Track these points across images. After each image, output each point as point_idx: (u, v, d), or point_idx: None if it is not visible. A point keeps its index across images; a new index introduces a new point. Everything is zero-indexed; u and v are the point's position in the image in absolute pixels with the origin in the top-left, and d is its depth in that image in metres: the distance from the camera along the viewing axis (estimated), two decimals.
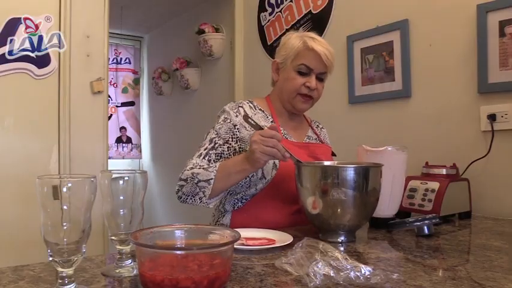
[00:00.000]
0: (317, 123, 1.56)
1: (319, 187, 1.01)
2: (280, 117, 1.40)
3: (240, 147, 1.30)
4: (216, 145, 1.28)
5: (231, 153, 1.29)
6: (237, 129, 1.30)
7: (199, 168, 1.22)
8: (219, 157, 1.28)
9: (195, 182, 1.20)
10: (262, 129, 1.14)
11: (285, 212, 1.29)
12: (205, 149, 1.29)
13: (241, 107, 1.35)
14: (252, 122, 1.18)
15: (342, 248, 0.96)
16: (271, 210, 1.29)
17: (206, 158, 1.26)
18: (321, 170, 1.03)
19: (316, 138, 1.48)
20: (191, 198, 1.22)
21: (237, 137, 1.30)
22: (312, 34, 1.34)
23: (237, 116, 1.32)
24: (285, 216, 1.29)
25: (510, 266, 0.81)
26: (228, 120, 1.31)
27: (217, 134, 1.30)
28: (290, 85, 1.33)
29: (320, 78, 1.33)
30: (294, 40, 1.33)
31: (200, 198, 1.21)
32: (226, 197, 1.36)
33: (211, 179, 1.19)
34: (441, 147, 1.65)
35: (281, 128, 1.36)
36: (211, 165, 1.23)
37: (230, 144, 1.29)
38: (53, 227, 0.62)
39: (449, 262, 0.85)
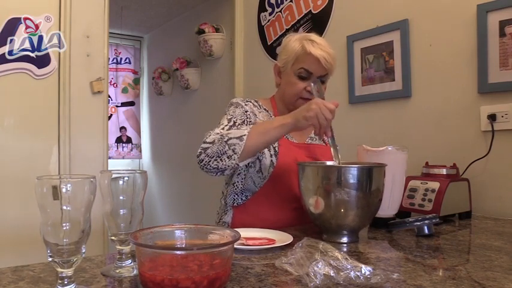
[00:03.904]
0: None
1: (321, 187, 1.00)
2: None
3: None
4: (236, 123, 1.26)
5: None
6: (249, 114, 1.31)
7: (229, 129, 1.18)
8: None
9: (225, 140, 1.13)
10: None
11: (284, 209, 1.30)
12: (226, 125, 1.24)
13: (250, 101, 1.38)
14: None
15: (345, 249, 0.95)
16: (271, 207, 1.30)
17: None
18: (324, 170, 1.03)
19: (321, 139, 1.48)
20: (216, 160, 1.13)
21: (250, 121, 1.30)
22: (312, 36, 1.33)
23: (246, 105, 1.34)
24: (285, 213, 1.30)
25: (510, 265, 0.81)
26: (240, 107, 1.32)
27: (232, 115, 1.29)
28: (291, 90, 1.33)
29: (321, 81, 1.33)
30: (293, 44, 1.32)
31: (229, 157, 1.12)
32: (227, 190, 1.37)
33: (244, 135, 1.13)
34: (441, 147, 1.65)
35: None
36: (243, 126, 1.20)
37: (247, 125, 1.28)
38: (52, 227, 0.62)
39: (449, 262, 0.85)
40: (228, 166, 1.14)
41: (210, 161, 1.14)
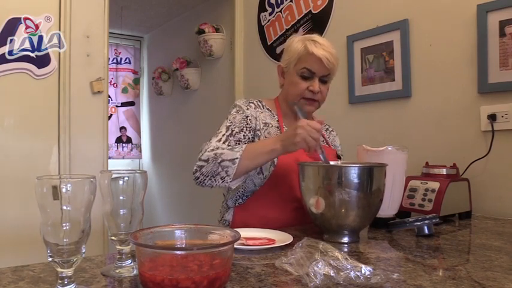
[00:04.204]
0: (327, 126, 1.58)
1: (322, 187, 1.00)
2: (286, 118, 1.42)
3: (253, 137, 1.32)
4: (234, 132, 1.29)
5: (247, 142, 1.30)
6: (249, 119, 1.33)
7: (223, 149, 1.21)
8: (238, 143, 1.28)
9: (218, 161, 1.18)
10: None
11: (285, 208, 1.31)
12: (223, 135, 1.28)
13: (252, 102, 1.39)
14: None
15: (345, 249, 0.95)
16: (271, 207, 1.31)
17: (226, 143, 1.26)
18: (325, 170, 1.03)
19: (322, 141, 1.48)
20: (210, 179, 1.19)
21: (250, 127, 1.32)
22: (315, 37, 1.34)
23: (247, 109, 1.35)
24: (286, 213, 1.31)
25: (510, 265, 0.81)
26: (241, 111, 1.34)
27: (231, 122, 1.32)
28: (294, 90, 1.34)
29: (324, 81, 1.34)
30: (296, 44, 1.34)
31: (222, 178, 1.18)
32: (228, 192, 1.38)
33: (236, 158, 1.17)
34: (441, 147, 1.65)
35: (286, 128, 1.37)
36: (236, 146, 1.23)
37: (245, 133, 1.31)
38: (52, 227, 0.62)
39: (449, 262, 0.85)
40: (221, 186, 1.20)
41: (204, 179, 1.20)
